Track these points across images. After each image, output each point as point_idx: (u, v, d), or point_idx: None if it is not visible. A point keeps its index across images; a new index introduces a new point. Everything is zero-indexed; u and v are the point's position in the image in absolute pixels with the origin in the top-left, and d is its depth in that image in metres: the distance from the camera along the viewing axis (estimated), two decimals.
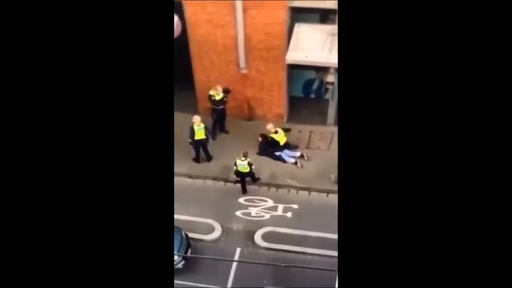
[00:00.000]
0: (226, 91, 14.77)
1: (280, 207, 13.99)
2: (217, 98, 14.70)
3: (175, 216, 12.95)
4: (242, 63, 14.66)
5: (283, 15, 13.63)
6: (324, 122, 15.44)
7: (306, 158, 14.74)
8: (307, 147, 15.06)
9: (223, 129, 15.39)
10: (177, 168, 13.96)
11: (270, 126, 14.74)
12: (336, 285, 5.64)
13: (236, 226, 13.68)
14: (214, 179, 14.65)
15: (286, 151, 14.80)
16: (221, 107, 14.84)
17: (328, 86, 14.59)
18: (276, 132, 14.71)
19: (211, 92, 14.71)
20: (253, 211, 13.96)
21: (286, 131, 15.00)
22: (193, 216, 13.64)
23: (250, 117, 15.59)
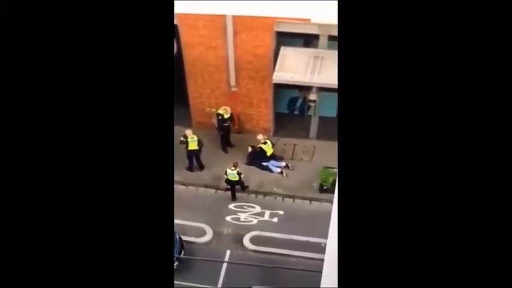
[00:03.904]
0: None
1: (267, 213, 14.29)
2: (226, 116, 15.12)
3: None
4: (232, 82, 15.05)
5: (270, 39, 14.05)
6: (306, 136, 15.82)
7: (291, 168, 15.11)
8: (292, 159, 15.38)
9: (229, 143, 15.74)
10: None
11: (260, 137, 15.12)
12: (321, 285, 5.43)
13: (226, 230, 13.95)
14: (206, 186, 14.93)
15: (273, 161, 15.15)
16: (227, 124, 15.26)
17: (310, 104, 14.99)
18: (265, 143, 15.09)
19: (220, 111, 15.08)
20: (242, 216, 14.26)
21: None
22: (187, 221, 13.88)
23: (240, 131, 15.95)
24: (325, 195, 14.06)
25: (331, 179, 14.07)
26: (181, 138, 14.64)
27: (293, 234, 13.59)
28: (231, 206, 14.55)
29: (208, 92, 15.41)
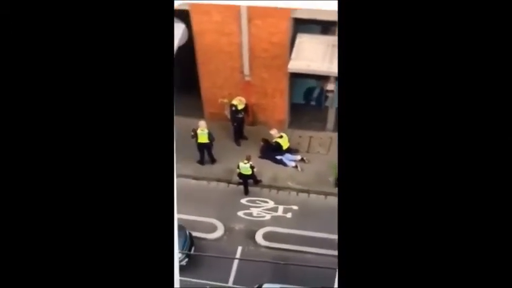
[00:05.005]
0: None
1: (281, 208, 13.90)
2: (240, 107, 14.64)
3: (180, 216, 13.17)
4: (246, 71, 14.57)
5: (287, 26, 13.57)
6: (323, 128, 15.33)
7: (306, 161, 14.63)
8: (307, 152, 14.94)
9: (242, 136, 15.28)
10: (182, 170, 14.06)
11: (274, 132, 14.64)
12: (335, 284, 5.45)
13: (238, 226, 13.59)
14: (218, 180, 14.54)
15: (287, 155, 14.69)
16: (241, 116, 14.80)
17: (328, 94, 14.52)
18: (281, 136, 14.63)
19: (234, 102, 14.61)
20: (254, 211, 13.88)
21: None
22: (197, 216, 13.55)
23: (253, 123, 15.48)
24: None
25: None
26: (191, 132, 14.19)
27: (307, 230, 13.22)
28: (243, 200, 14.16)
29: (221, 82, 14.95)
